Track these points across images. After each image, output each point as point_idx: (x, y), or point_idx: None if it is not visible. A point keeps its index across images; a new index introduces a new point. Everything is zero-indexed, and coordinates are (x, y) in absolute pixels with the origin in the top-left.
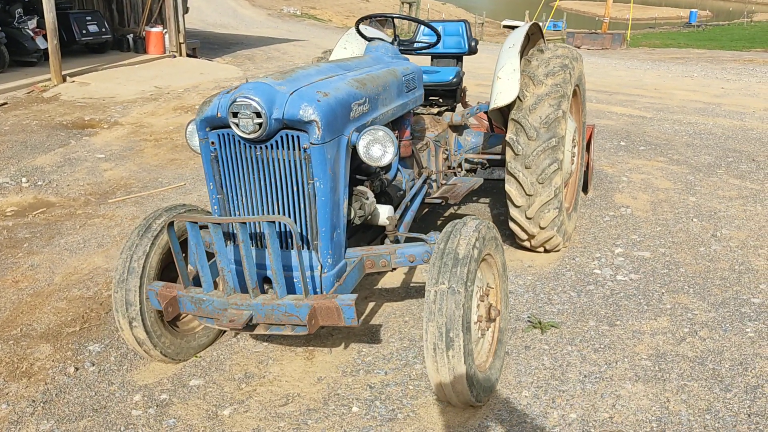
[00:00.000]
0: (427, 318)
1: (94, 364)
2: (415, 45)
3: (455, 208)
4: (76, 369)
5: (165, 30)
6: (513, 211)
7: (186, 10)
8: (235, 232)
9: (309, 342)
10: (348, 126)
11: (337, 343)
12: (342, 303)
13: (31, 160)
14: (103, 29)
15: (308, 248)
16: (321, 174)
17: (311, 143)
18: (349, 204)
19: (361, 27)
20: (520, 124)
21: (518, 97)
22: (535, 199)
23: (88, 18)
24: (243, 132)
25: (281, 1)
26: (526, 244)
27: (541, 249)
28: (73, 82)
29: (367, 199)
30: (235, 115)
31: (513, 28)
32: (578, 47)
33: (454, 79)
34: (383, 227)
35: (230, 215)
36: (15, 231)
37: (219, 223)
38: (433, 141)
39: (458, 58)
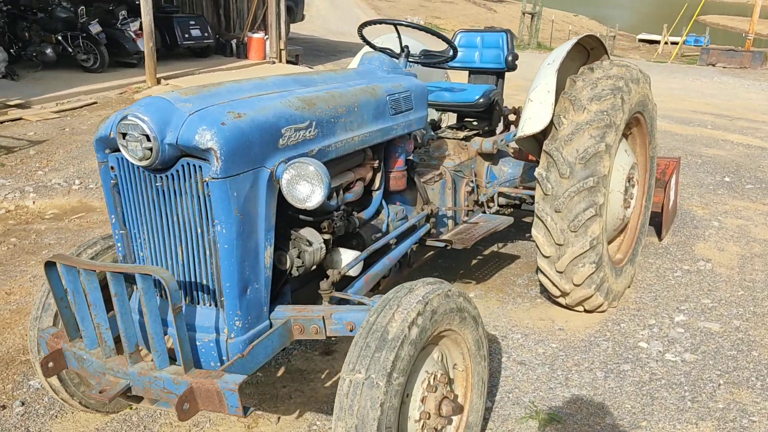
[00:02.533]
0: (336, 415)
1: (23, 404)
2: (427, 59)
3: (498, 246)
4: (3, 407)
5: (266, 36)
6: (541, 262)
7: (302, 18)
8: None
9: (260, 403)
10: (273, 156)
11: (291, 409)
12: (224, 386)
13: (93, 161)
14: (206, 34)
15: (216, 306)
16: (223, 216)
17: (210, 177)
18: (287, 250)
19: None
20: (551, 158)
21: (554, 124)
22: (565, 249)
23: (192, 22)
24: (132, 157)
25: (407, 10)
26: (561, 301)
27: (581, 308)
28: (167, 84)
29: (310, 245)
30: (124, 136)
31: (650, 42)
32: (712, 65)
33: (481, 99)
34: (351, 277)
35: (134, 256)
36: (43, 236)
37: (93, 270)
38: (451, 171)
39: (499, 74)
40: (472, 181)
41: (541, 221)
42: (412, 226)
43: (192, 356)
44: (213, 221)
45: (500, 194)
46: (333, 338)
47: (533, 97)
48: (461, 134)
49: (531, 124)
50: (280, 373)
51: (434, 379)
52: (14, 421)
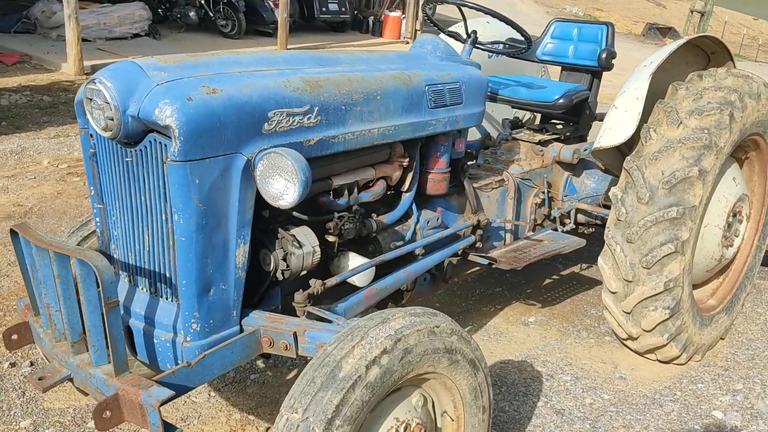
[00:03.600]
0: None
1: (32, 365)
2: (497, 47)
3: (580, 267)
4: (13, 365)
5: (403, 15)
6: (606, 297)
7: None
8: (114, 255)
9: (256, 408)
10: (254, 142)
11: None
12: (147, 400)
13: None
14: (343, 8)
15: (177, 303)
16: (181, 205)
17: (169, 159)
18: (273, 250)
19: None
20: (630, 177)
21: (641, 137)
22: (634, 287)
23: None
24: (96, 126)
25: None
26: (629, 344)
27: (653, 356)
28: None
29: (300, 247)
30: (90, 102)
31: None
32: None
33: (561, 100)
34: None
35: (109, 233)
36: None
37: (43, 246)
38: (516, 178)
39: (594, 73)
40: (543, 193)
41: (610, 250)
42: (451, 236)
43: (152, 354)
44: (171, 209)
45: (578, 211)
46: (301, 356)
47: (618, 104)
48: (538, 137)
49: (610, 134)
50: (290, 375)
51: (405, 429)
52: (17, 381)
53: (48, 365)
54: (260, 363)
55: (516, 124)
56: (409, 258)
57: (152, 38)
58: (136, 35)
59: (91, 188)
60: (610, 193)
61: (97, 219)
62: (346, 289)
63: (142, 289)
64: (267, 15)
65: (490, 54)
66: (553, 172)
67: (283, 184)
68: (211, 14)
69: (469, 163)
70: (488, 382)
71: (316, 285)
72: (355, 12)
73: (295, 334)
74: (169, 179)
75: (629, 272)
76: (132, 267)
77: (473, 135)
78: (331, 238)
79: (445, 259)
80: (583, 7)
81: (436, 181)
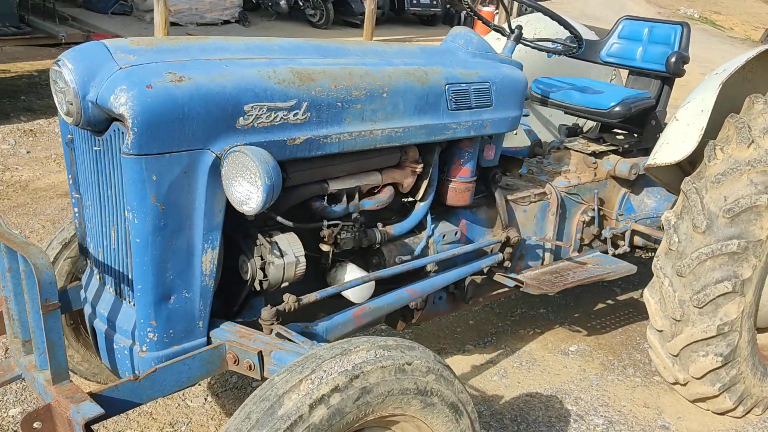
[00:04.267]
0: None
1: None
2: (544, 43)
3: (639, 293)
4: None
5: (497, 11)
6: (651, 334)
7: None
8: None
9: None
10: (225, 138)
11: None
12: (74, 416)
13: None
14: (434, 1)
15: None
16: (135, 203)
17: (123, 152)
18: (251, 257)
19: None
20: (688, 201)
21: (704, 156)
22: (682, 328)
23: None
24: (60, 111)
25: (683, 1)
26: (677, 389)
27: (704, 406)
28: None
29: (281, 256)
30: (54, 84)
31: None
32: None
33: (618, 108)
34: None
35: (84, 224)
36: None
37: None
38: (561, 192)
39: (665, 79)
40: (593, 210)
41: (658, 282)
42: (474, 252)
43: (113, 360)
44: (127, 207)
45: (634, 233)
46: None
47: (680, 116)
48: (592, 148)
49: (667, 150)
50: None
51: None
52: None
53: (3, 361)
54: None
55: (573, 132)
56: (419, 274)
57: (242, 25)
58: (227, 21)
59: (69, 176)
60: (662, 218)
61: (75, 209)
62: (343, 304)
63: (108, 288)
64: (356, 6)
65: (550, 53)
66: (607, 188)
67: (246, 188)
68: (301, 3)
69: (506, 172)
70: (476, 429)
71: (289, 301)
72: (447, 6)
73: (260, 354)
74: (124, 174)
75: (677, 310)
76: (101, 264)
77: (523, 142)
78: (325, 248)
79: (466, 278)
80: (699, 9)
81: (458, 191)
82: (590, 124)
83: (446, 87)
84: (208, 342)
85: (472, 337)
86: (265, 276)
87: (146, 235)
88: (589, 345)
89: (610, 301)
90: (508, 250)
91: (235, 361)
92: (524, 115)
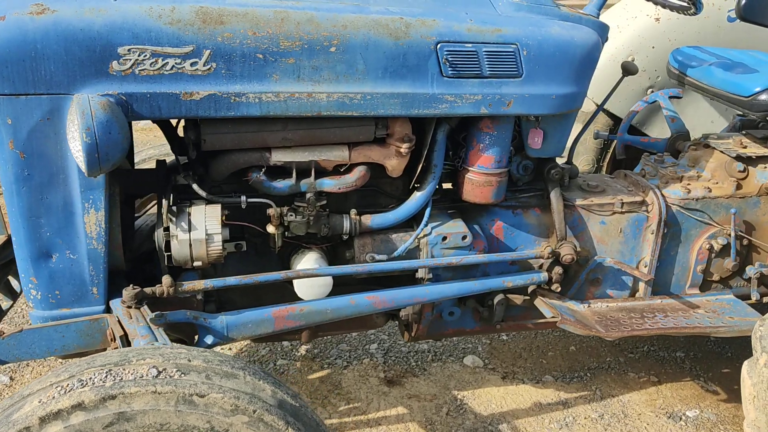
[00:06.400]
0: None
1: None
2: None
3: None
4: None
5: None
6: (746, 426)
7: None
8: None
9: None
10: (95, 84)
11: None
12: None
13: None
14: None
15: None
16: None
17: None
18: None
19: None
20: None
21: None
22: None
23: None
24: None
25: None
26: None
27: None
28: None
29: (187, 231)
30: None
31: None
32: None
33: (763, 97)
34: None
35: None
36: None
37: None
38: (673, 204)
39: None
40: (728, 236)
41: (755, 358)
42: (511, 263)
43: None
44: None
45: None
46: None
47: None
48: (740, 148)
49: None
50: (318, 374)
51: None
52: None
53: None
54: (303, 349)
55: (751, 125)
56: (404, 280)
57: None
58: None
59: None
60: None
61: None
62: None
63: None
64: None
65: (732, 17)
66: (759, 208)
67: (75, 146)
68: None
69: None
70: None
71: (164, 284)
72: None
73: (124, 338)
74: None
75: None
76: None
77: (663, 132)
78: (270, 229)
79: (495, 296)
80: None
81: (476, 184)
82: None
83: (437, 46)
84: (108, 311)
85: (558, 367)
86: (168, 250)
87: (9, 185)
88: (718, 413)
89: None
90: (557, 269)
91: (113, 338)
92: (676, 97)
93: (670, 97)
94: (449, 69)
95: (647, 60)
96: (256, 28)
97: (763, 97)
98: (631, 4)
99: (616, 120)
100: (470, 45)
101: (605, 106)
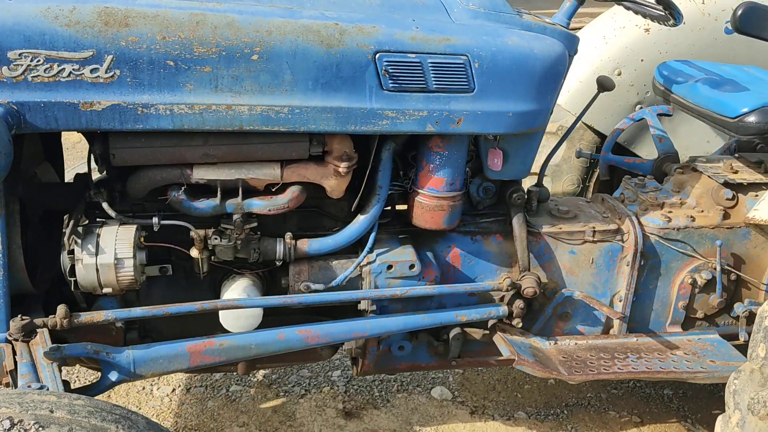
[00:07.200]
0: None
1: None
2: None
3: None
4: None
5: None
6: None
7: None
8: None
9: (194, 423)
10: None
11: None
12: None
13: None
14: None
15: None
16: None
17: None
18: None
19: None
20: None
21: None
22: None
23: None
24: None
25: None
26: None
27: None
28: None
29: (95, 255)
30: None
31: None
32: None
33: (751, 119)
34: None
35: None
36: None
37: None
38: (646, 233)
39: None
40: (713, 270)
41: (728, 413)
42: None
43: None
44: None
45: None
46: None
47: None
48: (730, 173)
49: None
50: (271, 403)
51: None
52: None
53: None
54: (261, 374)
55: (747, 146)
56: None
57: None
58: None
59: None
60: (760, 309)
61: None
62: None
63: None
64: None
65: (729, 29)
66: (749, 240)
67: None
68: None
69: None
70: None
71: (58, 314)
72: None
73: (12, 373)
74: None
75: None
76: None
77: (650, 152)
78: (194, 253)
79: (452, 331)
80: None
81: (426, 208)
82: None
83: (376, 56)
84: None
85: (533, 402)
86: (73, 275)
87: None
88: None
89: None
90: (518, 303)
91: (7, 372)
92: (665, 114)
93: (659, 115)
94: (390, 82)
95: (635, 74)
96: (166, 32)
97: (751, 119)
98: (619, 14)
99: (603, 138)
100: (414, 55)
101: (591, 123)
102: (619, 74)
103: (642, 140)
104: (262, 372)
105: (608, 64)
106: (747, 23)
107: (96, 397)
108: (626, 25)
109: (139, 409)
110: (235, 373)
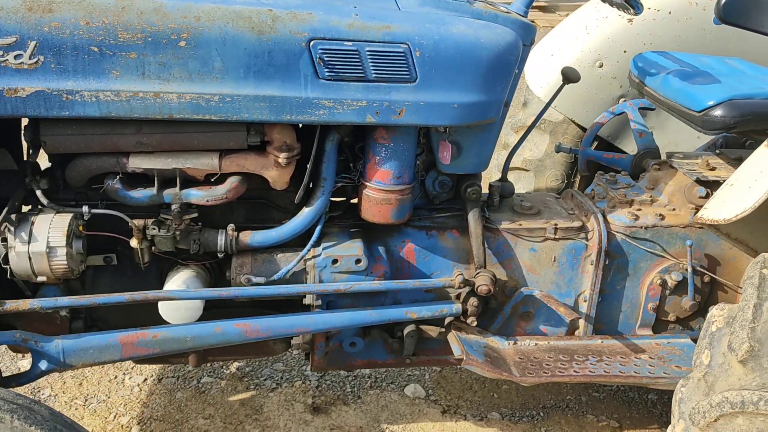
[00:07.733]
0: None
1: None
2: None
3: None
4: None
5: None
6: None
7: None
8: None
9: (160, 413)
10: None
11: None
12: None
13: None
14: None
15: None
16: None
17: None
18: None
19: None
20: (745, 299)
21: None
22: None
23: None
24: None
25: None
26: None
27: None
28: None
29: (27, 242)
30: None
31: None
32: None
33: (717, 112)
34: None
35: None
36: None
37: None
38: (612, 231)
39: None
40: (684, 271)
41: (673, 422)
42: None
43: None
44: None
45: None
46: None
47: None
48: (706, 170)
49: (730, 200)
50: (240, 396)
51: None
52: None
53: None
54: (234, 366)
55: (738, 143)
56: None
57: None
58: None
59: None
60: (709, 313)
61: None
62: None
63: None
64: None
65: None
66: (723, 241)
67: None
68: None
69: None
70: None
71: None
72: None
73: None
74: None
75: None
76: None
77: (635, 147)
78: (133, 243)
79: (406, 328)
80: None
81: (374, 201)
82: None
83: (310, 44)
84: None
85: (509, 403)
86: (6, 263)
87: None
88: None
89: None
90: (473, 301)
91: None
92: (649, 108)
93: (642, 108)
94: (326, 70)
95: (618, 66)
96: (89, 17)
97: (717, 112)
98: (602, 4)
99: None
100: (350, 43)
101: (573, 117)
102: (601, 66)
103: (627, 135)
104: (235, 364)
105: (590, 56)
106: (731, 12)
107: (26, 385)
108: (609, 16)
109: (108, 398)
110: (209, 364)
